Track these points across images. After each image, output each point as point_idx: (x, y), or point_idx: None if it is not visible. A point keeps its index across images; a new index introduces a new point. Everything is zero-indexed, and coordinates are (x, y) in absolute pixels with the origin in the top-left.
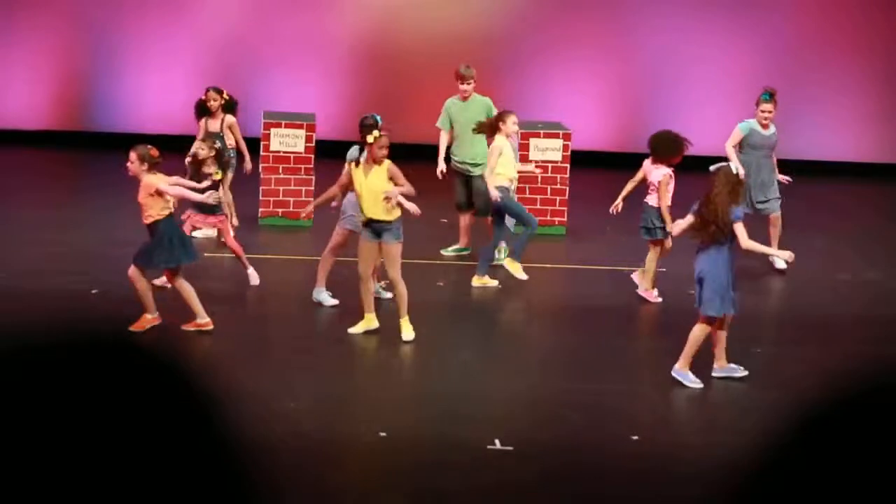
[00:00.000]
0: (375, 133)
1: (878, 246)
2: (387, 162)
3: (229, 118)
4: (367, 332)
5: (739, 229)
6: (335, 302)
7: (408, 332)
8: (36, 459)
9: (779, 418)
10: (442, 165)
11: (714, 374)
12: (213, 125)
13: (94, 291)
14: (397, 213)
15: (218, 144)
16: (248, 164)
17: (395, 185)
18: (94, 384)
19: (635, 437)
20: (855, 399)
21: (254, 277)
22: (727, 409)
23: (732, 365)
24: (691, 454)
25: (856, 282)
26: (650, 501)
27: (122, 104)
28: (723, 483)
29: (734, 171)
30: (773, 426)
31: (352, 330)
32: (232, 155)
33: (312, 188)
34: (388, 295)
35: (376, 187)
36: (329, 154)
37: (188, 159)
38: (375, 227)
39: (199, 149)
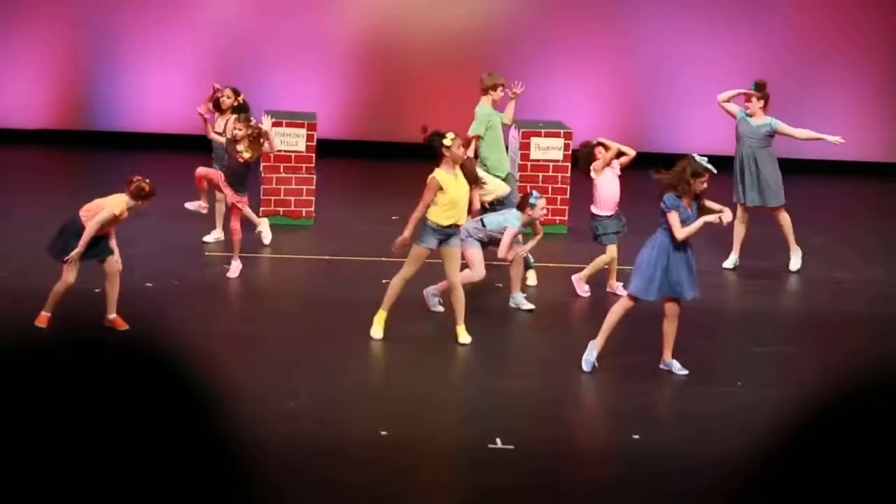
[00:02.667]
0: (451, 135)
1: (878, 245)
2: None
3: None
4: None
5: (672, 219)
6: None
7: (467, 337)
8: (36, 458)
9: (778, 417)
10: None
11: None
12: (219, 123)
13: (97, 290)
14: None
15: (254, 122)
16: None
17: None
18: (93, 383)
19: (636, 436)
20: (855, 398)
21: (234, 270)
22: (727, 408)
23: (675, 362)
24: (691, 453)
25: (856, 281)
26: (650, 500)
27: (122, 103)
28: (723, 482)
29: (699, 165)
30: (773, 425)
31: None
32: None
33: (313, 187)
34: (441, 309)
35: (465, 190)
36: (330, 153)
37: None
38: (448, 233)
39: (237, 129)
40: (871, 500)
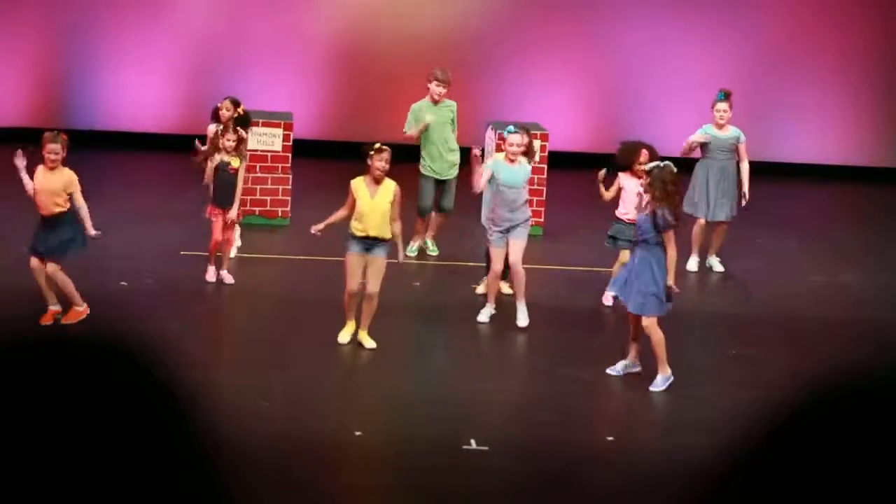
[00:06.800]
0: (377, 145)
1: (855, 248)
2: (393, 184)
3: (240, 133)
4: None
5: (671, 236)
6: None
7: (370, 342)
8: (7, 458)
9: (751, 420)
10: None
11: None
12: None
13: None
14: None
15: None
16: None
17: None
18: (68, 382)
19: (610, 438)
20: (826, 402)
21: (228, 277)
22: (701, 411)
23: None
24: (665, 455)
25: (831, 284)
26: (622, 501)
27: (98, 102)
28: (696, 484)
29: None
30: (746, 428)
31: (344, 339)
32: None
33: (289, 187)
34: (509, 291)
35: (382, 206)
36: (306, 153)
37: (202, 147)
38: (369, 243)
39: (228, 141)
40: (842, 501)
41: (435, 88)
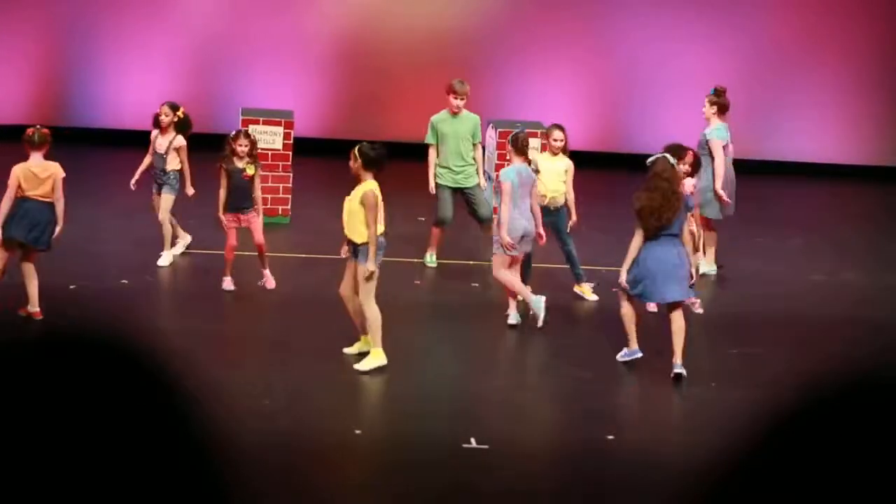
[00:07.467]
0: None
1: (855, 248)
2: (368, 187)
3: (179, 139)
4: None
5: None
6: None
7: (379, 360)
8: (8, 458)
9: (752, 419)
10: (433, 182)
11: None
12: (161, 143)
13: (71, 287)
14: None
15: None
16: (190, 190)
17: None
18: (69, 382)
19: (611, 437)
20: (826, 402)
21: (269, 281)
22: (701, 410)
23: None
24: (665, 454)
25: (832, 283)
26: (621, 500)
27: (100, 100)
28: (696, 484)
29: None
30: (747, 427)
31: (347, 350)
32: (175, 178)
33: (290, 185)
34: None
35: (351, 207)
36: (307, 151)
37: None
38: (352, 246)
39: (241, 146)
40: (844, 500)
41: (452, 101)
